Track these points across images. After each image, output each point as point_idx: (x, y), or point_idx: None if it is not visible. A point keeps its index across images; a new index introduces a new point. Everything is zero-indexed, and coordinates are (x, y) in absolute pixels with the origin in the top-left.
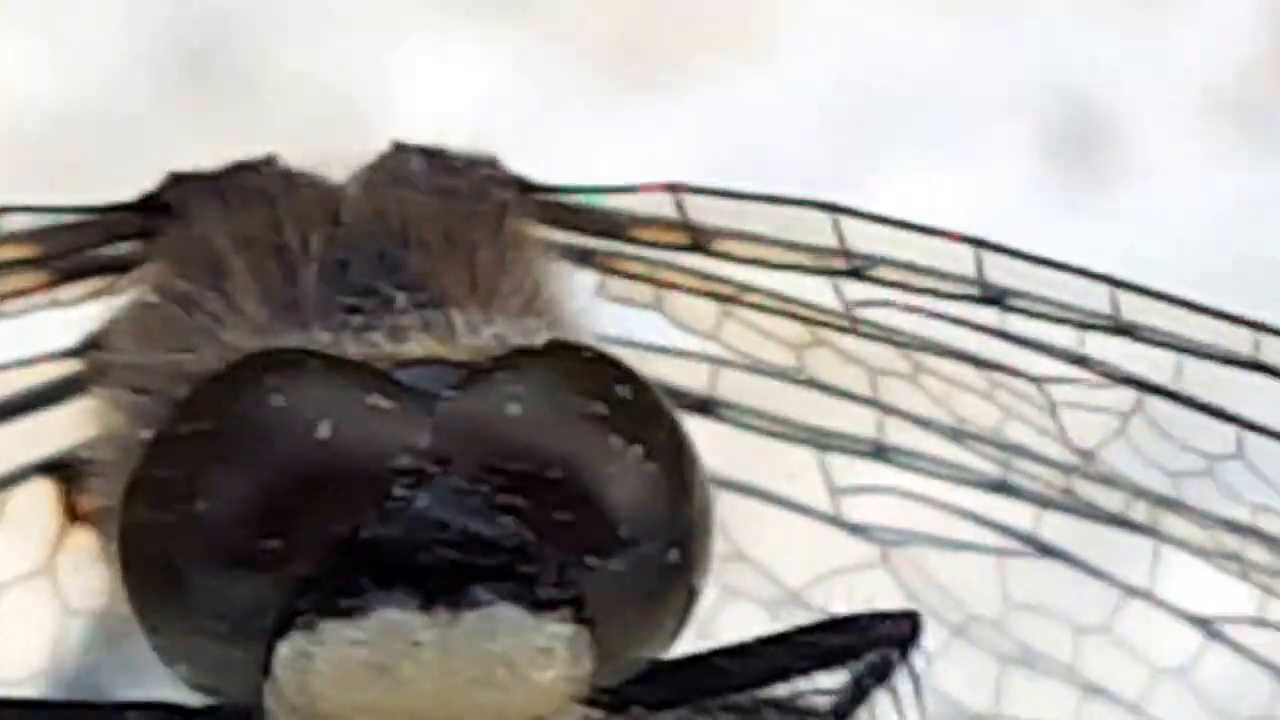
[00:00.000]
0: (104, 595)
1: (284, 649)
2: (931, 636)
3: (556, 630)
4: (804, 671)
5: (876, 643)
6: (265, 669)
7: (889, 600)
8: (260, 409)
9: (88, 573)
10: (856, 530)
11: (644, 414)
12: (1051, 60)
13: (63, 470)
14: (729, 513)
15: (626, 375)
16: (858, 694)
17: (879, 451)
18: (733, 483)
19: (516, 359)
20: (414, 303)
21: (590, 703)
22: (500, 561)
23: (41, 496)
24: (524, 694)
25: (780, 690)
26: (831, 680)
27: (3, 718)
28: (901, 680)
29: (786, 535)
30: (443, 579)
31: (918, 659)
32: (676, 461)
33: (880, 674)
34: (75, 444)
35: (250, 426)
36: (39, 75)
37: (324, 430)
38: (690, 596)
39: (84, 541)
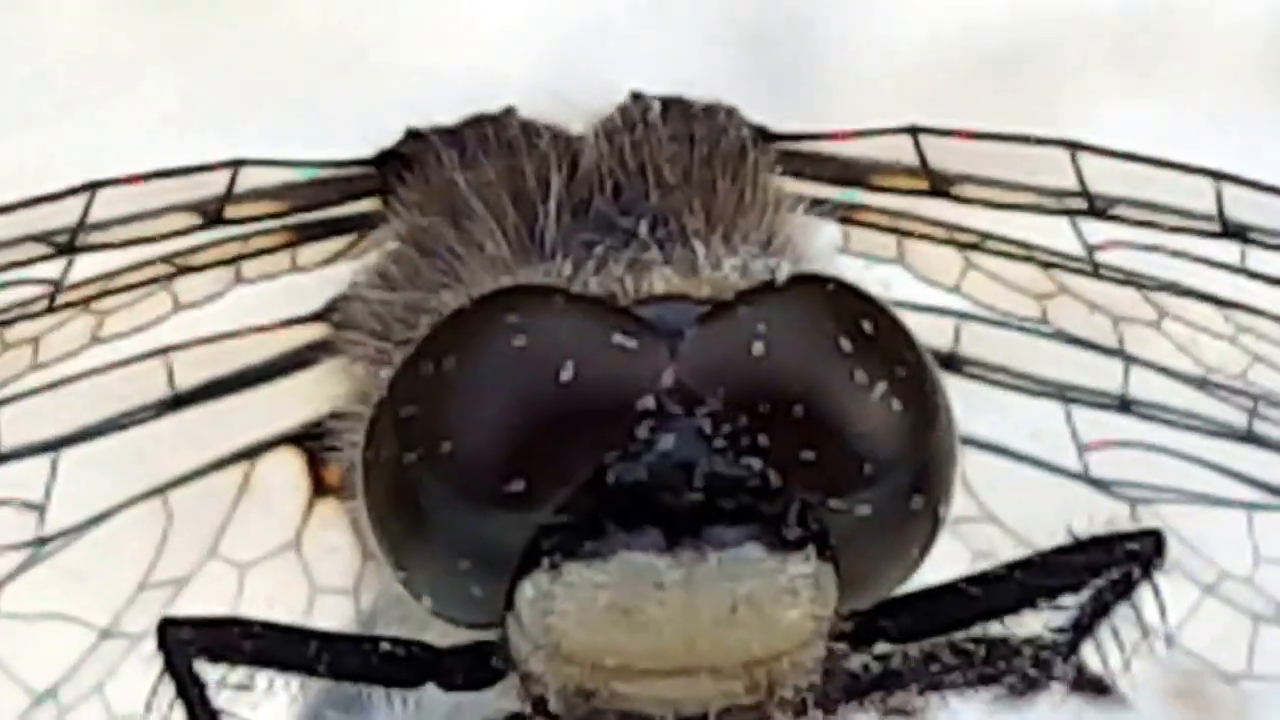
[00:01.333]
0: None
1: (527, 588)
2: (1182, 595)
3: (801, 569)
4: (1049, 594)
5: (1119, 561)
6: (509, 604)
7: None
8: (504, 347)
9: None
10: (1104, 487)
11: (888, 347)
12: None
13: (309, 441)
14: (976, 473)
15: (870, 307)
16: (1098, 610)
17: (1124, 404)
18: (979, 440)
19: (760, 293)
20: (654, 236)
21: (836, 637)
22: (744, 501)
23: (289, 468)
24: (769, 633)
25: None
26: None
27: (261, 642)
28: (1144, 596)
29: (1034, 494)
30: (687, 520)
31: (1160, 576)
32: (921, 394)
33: (1122, 590)
34: (321, 414)
35: (494, 365)
36: None
37: (568, 371)
38: (934, 527)
39: (331, 514)
